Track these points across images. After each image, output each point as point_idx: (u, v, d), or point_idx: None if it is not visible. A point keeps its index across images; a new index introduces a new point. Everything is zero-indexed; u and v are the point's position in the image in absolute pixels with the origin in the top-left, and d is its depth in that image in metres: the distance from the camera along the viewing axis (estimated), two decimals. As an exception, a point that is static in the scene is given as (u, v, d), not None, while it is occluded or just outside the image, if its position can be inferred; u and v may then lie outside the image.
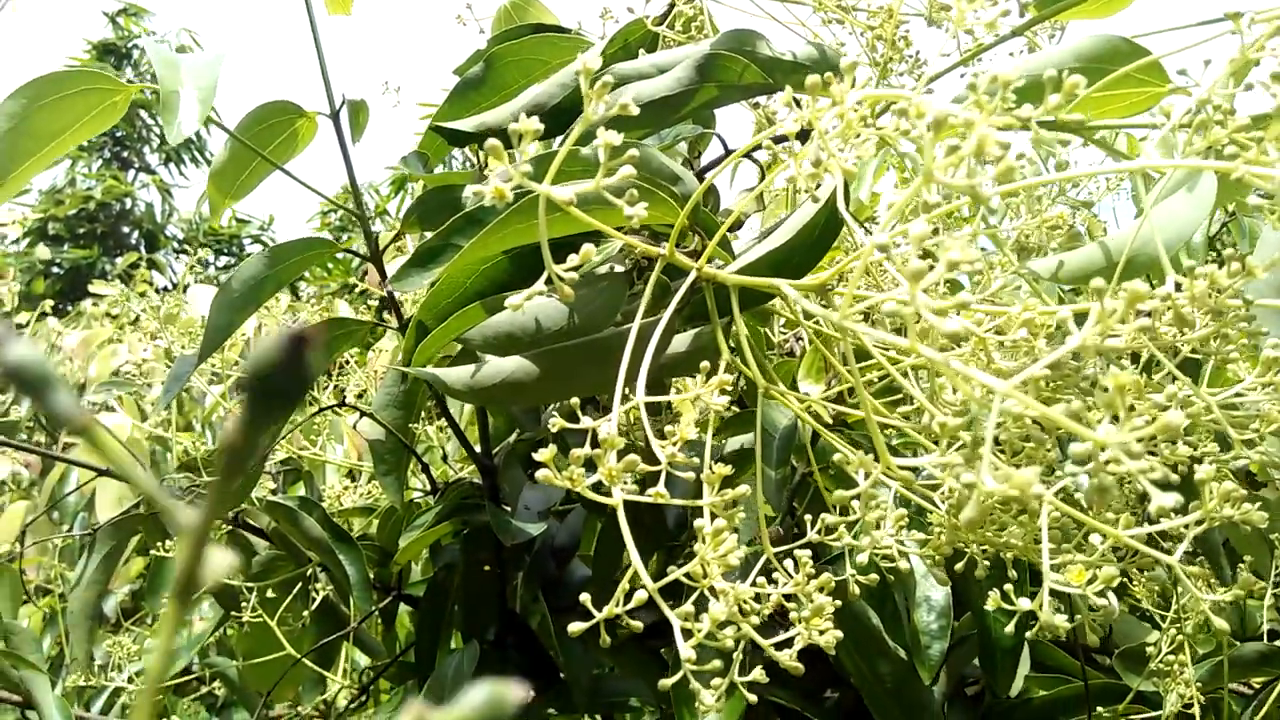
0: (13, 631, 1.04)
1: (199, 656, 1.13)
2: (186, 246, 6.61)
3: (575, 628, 0.36)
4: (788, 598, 0.40)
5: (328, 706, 0.99)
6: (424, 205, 0.61)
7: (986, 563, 0.48)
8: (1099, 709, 0.75)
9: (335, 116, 0.68)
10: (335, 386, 0.84)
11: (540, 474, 0.33)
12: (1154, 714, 0.73)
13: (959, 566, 0.47)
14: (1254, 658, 0.74)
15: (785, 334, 0.90)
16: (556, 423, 0.38)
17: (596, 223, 0.42)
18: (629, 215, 0.33)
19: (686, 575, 0.35)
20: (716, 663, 0.34)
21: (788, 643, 0.39)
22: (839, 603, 0.39)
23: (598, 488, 0.36)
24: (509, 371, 0.47)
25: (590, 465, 0.34)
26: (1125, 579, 0.82)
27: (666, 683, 0.35)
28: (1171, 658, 0.72)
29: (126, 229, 6.36)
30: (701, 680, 0.37)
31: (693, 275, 0.44)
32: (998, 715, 0.79)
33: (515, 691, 0.13)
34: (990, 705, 0.79)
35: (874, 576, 0.50)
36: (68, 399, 0.12)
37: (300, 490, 1.08)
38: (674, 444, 0.37)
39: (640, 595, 0.35)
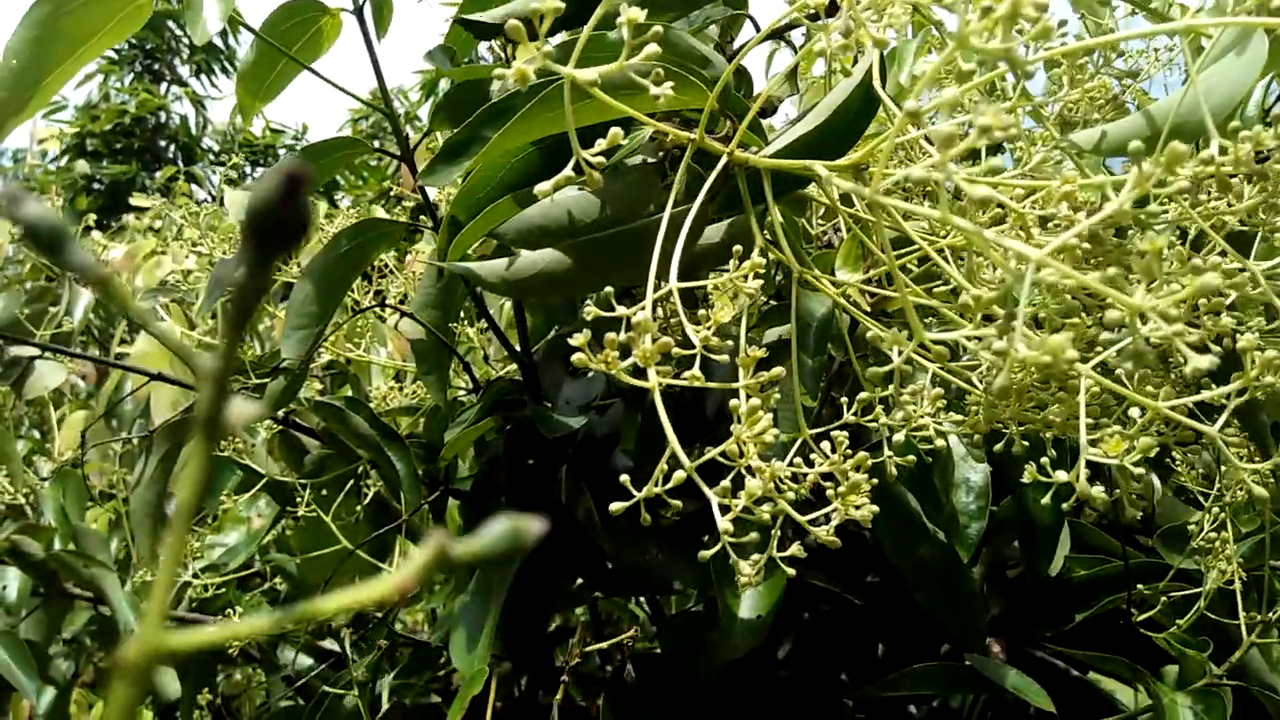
0: (81, 533, 1.09)
1: (259, 554, 1.17)
2: (223, 158, 6.62)
3: (616, 506, 0.37)
4: (825, 477, 0.41)
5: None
6: (451, 101, 0.60)
7: (1025, 443, 0.48)
8: (1139, 587, 0.75)
9: (359, 11, 0.67)
10: (374, 290, 0.85)
11: (575, 358, 0.33)
12: (1195, 590, 0.74)
13: (998, 448, 0.47)
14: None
15: (823, 225, 0.89)
16: (591, 311, 0.38)
17: (624, 108, 0.41)
18: (655, 96, 0.32)
19: (723, 455, 0.35)
20: (754, 535, 0.35)
21: (825, 519, 0.39)
22: (875, 480, 0.40)
23: (634, 373, 0.36)
24: (543, 264, 0.47)
25: (625, 351, 0.35)
26: (1170, 460, 0.82)
27: (706, 554, 0.35)
28: (1214, 535, 0.72)
29: (163, 143, 6.36)
30: (741, 554, 0.38)
31: (724, 160, 0.43)
32: (1037, 595, 0.80)
33: (533, 526, 0.14)
34: (1030, 585, 0.80)
35: (911, 458, 0.51)
36: (85, 255, 0.13)
37: (347, 392, 1.11)
38: (708, 328, 0.37)
39: (679, 475, 0.36)
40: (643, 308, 0.37)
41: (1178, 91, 0.42)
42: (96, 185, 6.27)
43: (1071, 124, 0.52)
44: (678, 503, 0.37)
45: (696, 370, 0.36)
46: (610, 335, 0.34)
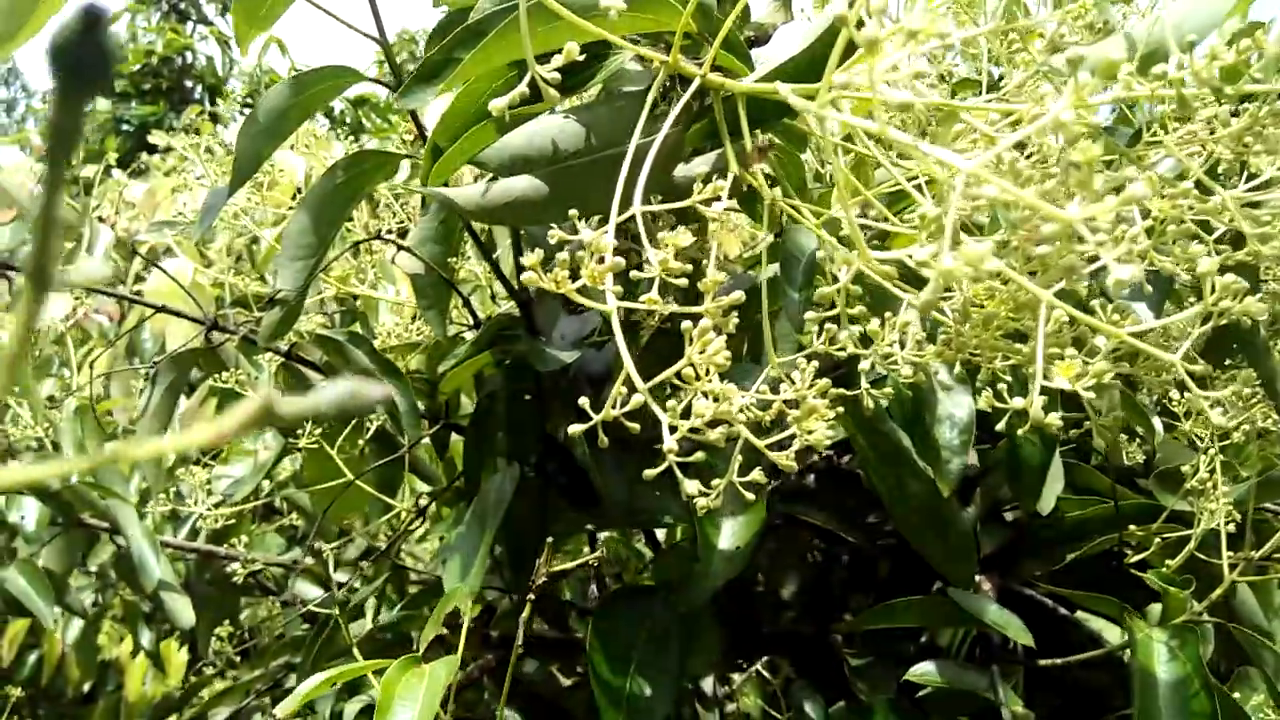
0: (99, 466, 1.12)
1: (277, 489, 1.20)
2: (249, 99, 6.61)
3: (574, 429, 0.38)
4: (790, 404, 0.41)
5: (393, 530, 1.05)
6: (441, 28, 0.60)
7: (1009, 379, 0.48)
8: (1131, 528, 0.75)
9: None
10: (371, 224, 0.86)
11: (524, 276, 0.33)
12: (1187, 532, 0.74)
13: (980, 379, 0.47)
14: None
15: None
16: (555, 234, 0.38)
17: (594, 28, 0.41)
18: (606, 6, 0.32)
19: (678, 377, 0.36)
20: (700, 455, 0.35)
21: (782, 445, 0.40)
22: (839, 409, 0.40)
23: (593, 296, 0.36)
24: (520, 190, 0.47)
25: (576, 272, 0.35)
26: (1168, 402, 0.81)
27: (650, 473, 0.36)
28: (1206, 476, 0.72)
29: (190, 84, 6.38)
30: (701, 479, 0.38)
31: (695, 84, 0.43)
32: (1030, 534, 0.80)
33: (373, 390, 0.14)
34: (1023, 525, 0.80)
35: (889, 390, 0.51)
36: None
37: (355, 328, 1.12)
38: (669, 252, 0.37)
39: (638, 400, 0.36)
40: (604, 231, 0.37)
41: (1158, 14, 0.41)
42: (125, 126, 6.31)
43: (1059, 48, 0.51)
44: (635, 425, 0.37)
45: (654, 293, 0.36)
46: (561, 255, 0.35)
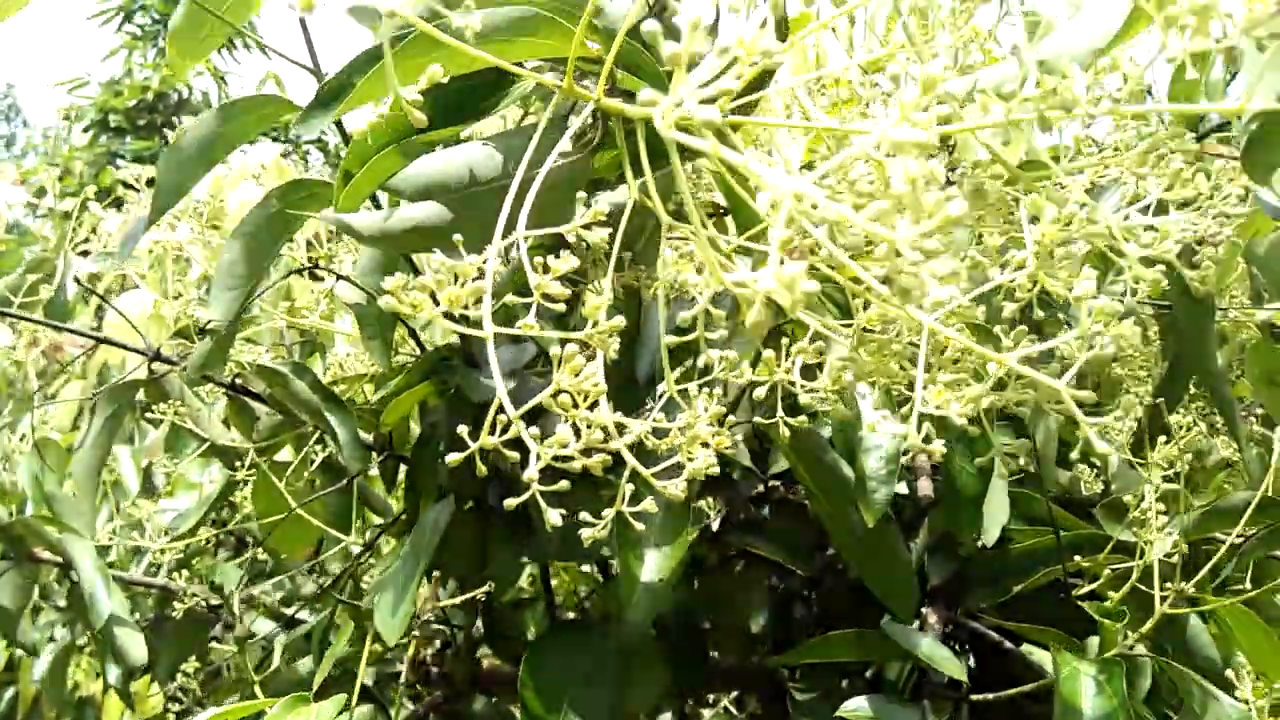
0: (55, 499, 1.11)
1: (229, 518, 1.19)
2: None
3: (452, 458, 0.38)
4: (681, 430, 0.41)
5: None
6: (368, 54, 0.60)
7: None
8: (1077, 559, 0.75)
9: (285, -27, 0.67)
10: (307, 256, 0.86)
11: (382, 301, 0.33)
12: (1132, 563, 0.73)
13: (875, 403, 0.46)
14: (1241, 508, 0.73)
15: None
16: (437, 261, 0.38)
17: (492, 58, 0.41)
18: (460, 27, 0.32)
19: (552, 401, 0.35)
20: (564, 483, 0.35)
21: (673, 472, 0.39)
22: (722, 433, 0.39)
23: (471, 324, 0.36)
24: (421, 217, 0.47)
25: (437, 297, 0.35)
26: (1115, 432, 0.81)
27: (512, 502, 0.35)
28: (1148, 507, 0.71)
29: (186, 118, 6.43)
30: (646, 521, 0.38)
31: (589, 108, 0.43)
32: (977, 565, 0.79)
33: None
34: (969, 555, 0.79)
35: (803, 419, 0.50)
36: None
37: (316, 360, 1.12)
38: (551, 278, 0.37)
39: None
40: (484, 260, 0.37)
41: (1050, 36, 0.41)
42: (120, 161, 6.35)
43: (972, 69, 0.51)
44: (514, 454, 0.37)
45: (531, 319, 0.36)
46: (421, 280, 0.34)
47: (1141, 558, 0.70)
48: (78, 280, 0.87)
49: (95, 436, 0.76)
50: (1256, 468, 0.95)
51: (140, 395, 0.89)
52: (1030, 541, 0.78)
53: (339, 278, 0.74)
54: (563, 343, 0.34)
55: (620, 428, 0.39)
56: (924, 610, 0.79)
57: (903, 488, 0.82)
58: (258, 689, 0.86)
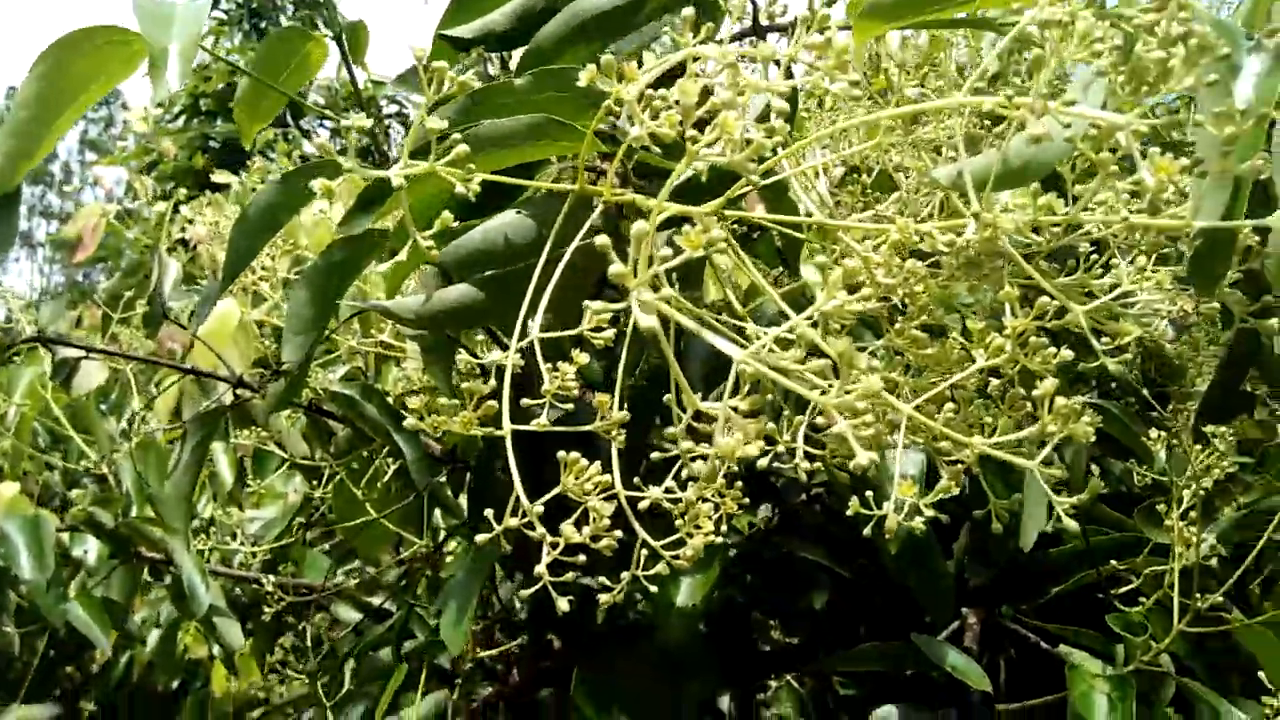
0: (157, 499, 1.20)
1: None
2: (328, 112, 6.78)
3: (481, 539, 0.43)
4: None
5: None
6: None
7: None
8: (1113, 562, 0.77)
9: (338, 39, 0.72)
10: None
11: (407, 422, 0.38)
12: (1170, 566, 0.74)
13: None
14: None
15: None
16: (463, 359, 0.43)
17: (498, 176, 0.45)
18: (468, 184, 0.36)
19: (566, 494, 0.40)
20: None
21: (677, 544, 0.43)
22: (718, 511, 0.43)
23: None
24: (454, 298, 0.52)
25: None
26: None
27: (526, 592, 0.40)
28: (1183, 513, 0.72)
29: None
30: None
31: (600, 204, 0.47)
32: (1015, 568, 0.82)
33: None
34: (1009, 558, 0.82)
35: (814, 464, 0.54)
36: None
37: (390, 375, 1.18)
38: (560, 376, 0.41)
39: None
40: (506, 356, 0.42)
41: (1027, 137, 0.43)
42: (213, 143, 6.56)
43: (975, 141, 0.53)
44: (536, 533, 0.42)
45: (544, 419, 0.41)
46: (440, 401, 0.39)
47: (1171, 562, 0.72)
48: (165, 314, 0.94)
49: (186, 463, 0.84)
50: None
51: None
52: (1069, 545, 0.80)
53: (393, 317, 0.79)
54: (568, 447, 0.39)
55: (633, 501, 0.43)
56: (964, 611, 0.83)
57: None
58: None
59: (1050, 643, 0.79)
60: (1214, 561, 0.73)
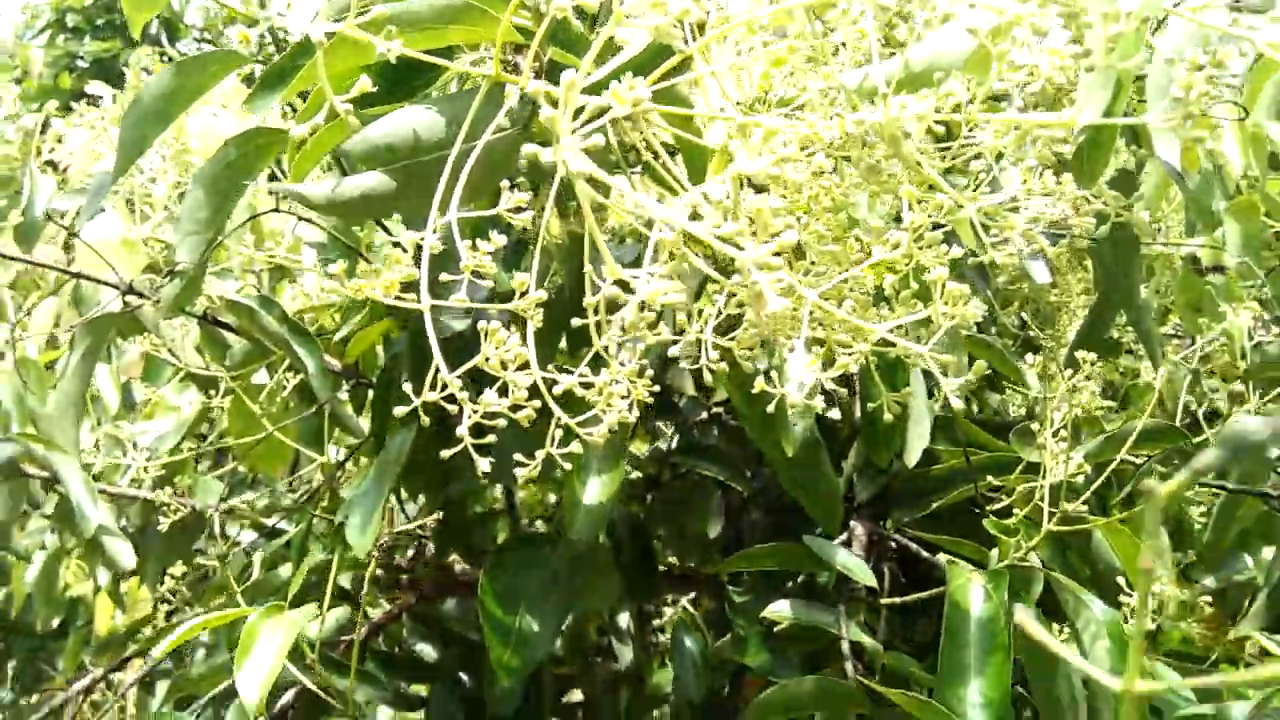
0: (40, 417, 1.16)
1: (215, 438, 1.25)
2: (206, 34, 6.47)
3: (399, 411, 0.43)
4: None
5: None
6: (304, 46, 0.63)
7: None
8: (989, 478, 0.81)
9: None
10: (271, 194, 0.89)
11: (325, 284, 0.38)
12: (1041, 482, 0.80)
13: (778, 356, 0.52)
14: (1135, 433, 0.80)
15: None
16: (382, 238, 0.43)
17: (417, 53, 0.45)
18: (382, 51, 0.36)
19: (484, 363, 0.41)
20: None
21: (593, 422, 0.45)
22: (640, 385, 0.45)
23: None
24: (368, 186, 0.51)
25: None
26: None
27: (446, 452, 0.41)
28: (1052, 432, 0.77)
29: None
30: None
31: (515, 94, 0.47)
32: (900, 483, 0.86)
33: None
34: (894, 474, 0.86)
35: (722, 366, 0.56)
36: None
37: (285, 290, 1.16)
38: (480, 254, 0.42)
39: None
40: (422, 237, 0.42)
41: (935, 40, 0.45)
42: (80, 62, 6.18)
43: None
44: (453, 408, 0.42)
45: (462, 294, 0.41)
46: (363, 265, 0.39)
47: (1041, 478, 0.77)
48: (49, 215, 0.90)
49: (75, 368, 0.81)
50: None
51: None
52: (949, 463, 0.85)
53: (300, 218, 0.78)
54: (488, 317, 0.40)
55: (550, 383, 0.45)
56: (852, 523, 0.87)
57: (836, 413, 0.89)
58: (239, 596, 0.93)
59: (931, 551, 0.84)
60: (1080, 479, 0.79)
